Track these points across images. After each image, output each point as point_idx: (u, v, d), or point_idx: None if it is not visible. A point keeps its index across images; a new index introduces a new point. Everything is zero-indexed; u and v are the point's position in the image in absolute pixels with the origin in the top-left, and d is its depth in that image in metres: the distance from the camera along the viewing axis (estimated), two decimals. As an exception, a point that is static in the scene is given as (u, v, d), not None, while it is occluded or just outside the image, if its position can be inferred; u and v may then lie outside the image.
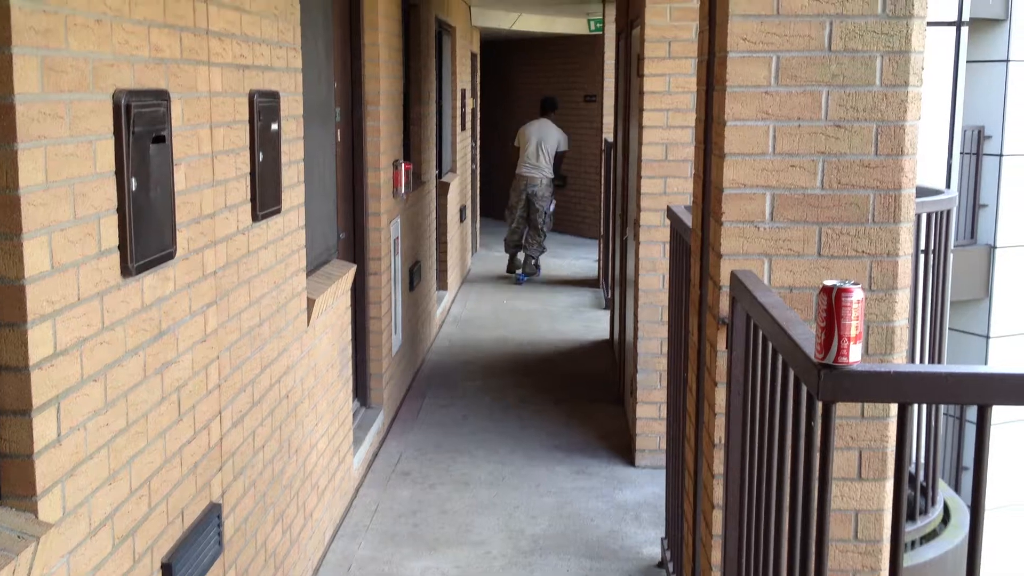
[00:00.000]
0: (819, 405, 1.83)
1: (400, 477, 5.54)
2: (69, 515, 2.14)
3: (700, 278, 3.07)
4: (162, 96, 2.58)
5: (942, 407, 4.61)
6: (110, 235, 2.33)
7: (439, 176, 9.51)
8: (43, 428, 2.04)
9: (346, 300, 4.98)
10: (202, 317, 2.94)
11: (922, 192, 4.37)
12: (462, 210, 11.25)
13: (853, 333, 1.76)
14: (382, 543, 4.71)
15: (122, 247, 2.38)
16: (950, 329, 4.79)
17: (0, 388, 1.99)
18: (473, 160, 13.18)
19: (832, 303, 1.76)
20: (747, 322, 2.47)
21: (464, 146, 11.87)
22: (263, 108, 3.47)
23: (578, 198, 15.48)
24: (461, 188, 11.24)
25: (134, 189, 2.41)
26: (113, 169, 2.34)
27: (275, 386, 3.72)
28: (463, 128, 11.72)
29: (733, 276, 2.61)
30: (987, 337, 11.41)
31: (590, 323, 9.39)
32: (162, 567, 2.65)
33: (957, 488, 9.36)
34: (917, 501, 4.27)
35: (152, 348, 2.58)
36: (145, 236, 2.48)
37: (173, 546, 2.72)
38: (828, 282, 1.80)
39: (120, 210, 2.37)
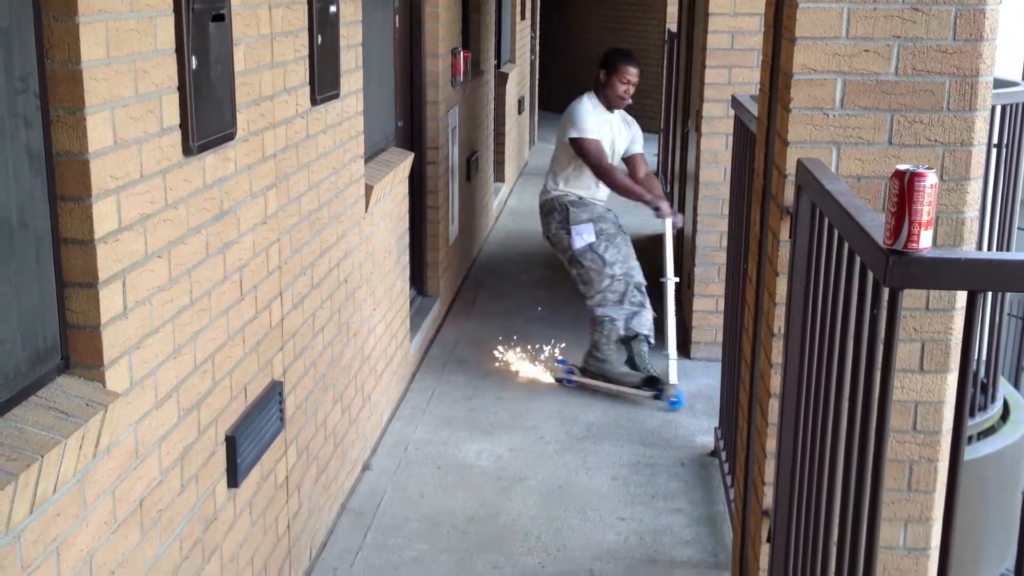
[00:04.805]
0: (885, 292, 1.79)
1: (456, 364, 5.60)
2: (136, 386, 2.19)
3: (764, 167, 3.00)
4: (221, -28, 2.55)
5: (1007, 305, 4.52)
6: (171, 113, 2.33)
7: (498, 66, 9.37)
8: (109, 301, 2.08)
9: (403, 188, 4.97)
10: (262, 199, 2.96)
11: (998, 84, 4.20)
12: (520, 102, 11.10)
13: (924, 219, 1.71)
14: (438, 426, 4.80)
15: (183, 126, 2.38)
16: (1019, 228, 4.67)
17: (67, 261, 2.02)
18: (532, 51, 12.96)
19: (904, 187, 1.71)
20: (812, 211, 2.41)
21: (524, 36, 11.66)
22: (322, -12, 3.41)
23: (639, 92, 15.18)
24: (520, 79, 11.08)
25: (195, 67, 2.39)
26: (173, 47, 2.32)
27: (334, 270, 3.75)
28: (523, 17, 11.49)
29: (799, 164, 2.55)
30: (1056, 238, 11.14)
31: (648, 217, 9.29)
32: (226, 440, 2.72)
33: (1019, 388, 9.24)
34: (976, 397, 4.22)
35: (214, 228, 2.60)
36: (206, 116, 2.48)
37: (236, 420, 2.79)
38: (901, 166, 1.74)
39: (181, 88, 2.36)
